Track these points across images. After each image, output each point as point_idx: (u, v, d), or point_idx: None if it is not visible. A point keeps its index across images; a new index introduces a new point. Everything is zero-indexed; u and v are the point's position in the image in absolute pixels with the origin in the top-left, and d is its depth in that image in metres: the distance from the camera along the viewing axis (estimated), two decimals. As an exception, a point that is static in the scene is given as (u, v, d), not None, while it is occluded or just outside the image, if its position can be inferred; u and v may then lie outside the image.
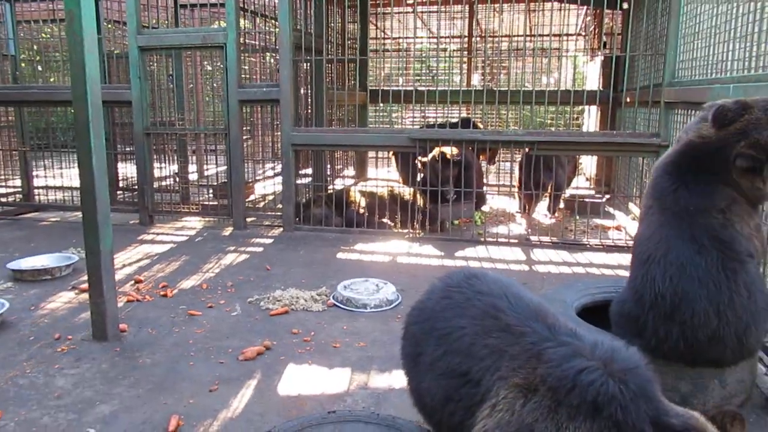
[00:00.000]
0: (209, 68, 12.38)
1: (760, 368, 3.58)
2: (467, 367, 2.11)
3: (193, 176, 9.41)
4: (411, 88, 10.35)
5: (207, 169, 10.64)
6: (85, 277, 4.17)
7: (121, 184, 8.91)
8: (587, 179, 10.47)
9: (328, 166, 8.89)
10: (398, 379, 3.58)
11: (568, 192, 8.70)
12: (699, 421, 1.84)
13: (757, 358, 3.47)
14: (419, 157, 7.26)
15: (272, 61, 10.09)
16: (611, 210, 8.29)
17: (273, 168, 10.23)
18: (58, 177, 9.15)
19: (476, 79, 12.36)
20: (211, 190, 8.96)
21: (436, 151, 7.21)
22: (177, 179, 8.33)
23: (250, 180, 9.04)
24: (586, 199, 8.16)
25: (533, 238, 6.87)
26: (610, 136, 6.70)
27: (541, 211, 8.23)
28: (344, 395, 3.41)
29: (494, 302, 2.22)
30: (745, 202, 3.15)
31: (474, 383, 2.06)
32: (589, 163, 10.54)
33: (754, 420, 3.20)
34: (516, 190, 8.46)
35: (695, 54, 5.72)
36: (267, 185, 9.95)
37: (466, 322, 2.22)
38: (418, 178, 7.57)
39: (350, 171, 10.35)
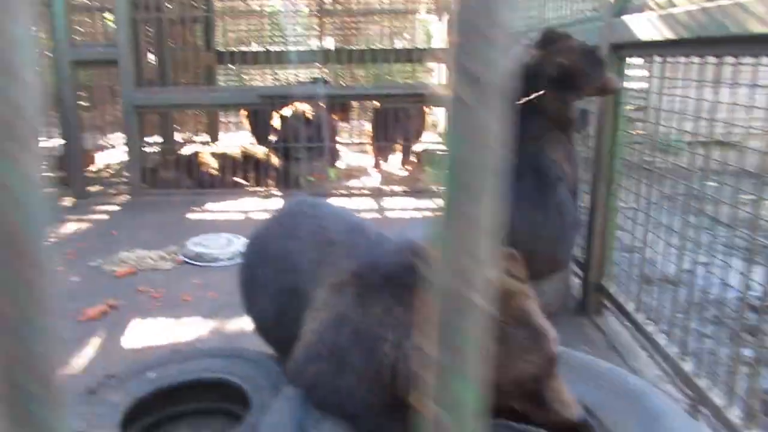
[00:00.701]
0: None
1: (573, 279, 4.05)
2: (294, 281, 2.23)
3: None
4: (262, 50, 10.17)
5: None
6: None
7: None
8: (437, 132, 10.95)
9: (177, 131, 8.58)
10: (248, 321, 3.64)
11: (420, 145, 9.08)
12: None
13: (570, 270, 3.93)
14: (274, 115, 7.23)
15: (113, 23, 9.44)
16: (458, 160, 8.77)
17: (116, 137, 9.67)
18: None
19: (329, 40, 12.38)
20: (46, 161, 8.32)
21: (289, 109, 7.20)
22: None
23: (91, 149, 8.51)
24: (437, 151, 8.57)
25: (385, 188, 7.14)
26: (450, 87, 7.04)
27: (394, 163, 8.53)
28: (195, 342, 3.42)
29: (320, 222, 2.36)
30: (556, 130, 3.53)
31: (301, 295, 2.19)
32: (439, 116, 11.02)
33: (567, 321, 3.64)
34: (368, 144, 8.69)
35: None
36: (112, 154, 9.40)
37: (294, 243, 2.34)
38: (272, 137, 7.54)
39: (202, 137, 10.04)
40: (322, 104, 7.39)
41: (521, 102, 3.49)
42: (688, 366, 2.76)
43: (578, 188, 3.68)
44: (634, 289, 3.43)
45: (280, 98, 6.89)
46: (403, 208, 6.38)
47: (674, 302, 2.99)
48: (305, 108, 7.22)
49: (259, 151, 7.42)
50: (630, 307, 3.40)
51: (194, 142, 9.30)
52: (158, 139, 8.53)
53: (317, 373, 2.03)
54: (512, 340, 1.73)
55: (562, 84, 3.42)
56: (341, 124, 9.45)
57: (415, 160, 8.66)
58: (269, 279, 2.38)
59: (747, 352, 2.49)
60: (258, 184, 7.12)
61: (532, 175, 3.46)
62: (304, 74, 10.10)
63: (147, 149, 7.72)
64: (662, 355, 2.98)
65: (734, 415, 2.40)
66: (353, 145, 9.63)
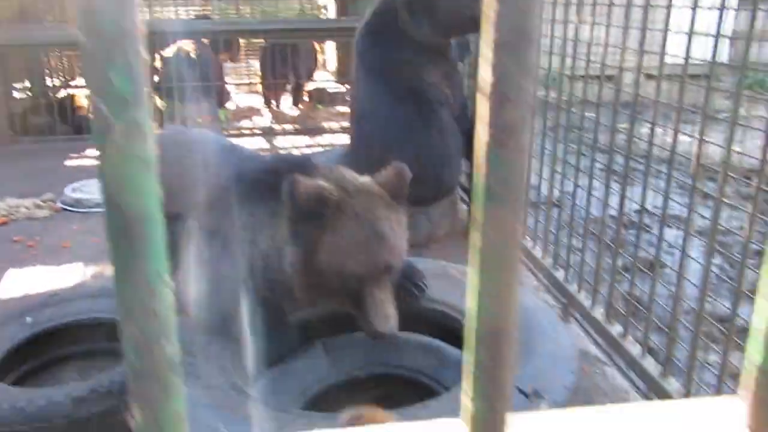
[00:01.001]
0: None
1: (461, 205, 4.22)
2: (168, 207, 2.19)
3: None
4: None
5: None
6: None
7: None
8: (328, 71, 10.81)
9: (49, 75, 7.93)
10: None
11: (311, 84, 8.93)
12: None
13: (457, 195, 4.08)
14: (159, 55, 6.82)
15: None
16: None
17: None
18: None
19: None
20: None
21: (173, 48, 6.82)
22: None
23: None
24: (328, 89, 8.47)
25: (277, 128, 7.01)
26: (340, 22, 6.94)
27: (286, 103, 8.37)
28: (77, 286, 3.28)
29: (193, 147, 2.34)
30: (434, 56, 3.56)
31: (176, 219, 2.15)
32: (329, 55, 10.86)
33: (455, 244, 3.80)
34: (258, 83, 8.45)
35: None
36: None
37: (166, 169, 2.31)
38: (154, 78, 7.13)
39: (78, 81, 9.34)
40: (205, 42, 7.05)
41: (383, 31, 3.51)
42: (560, 274, 2.99)
43: (466, 114, 3.76)
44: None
45: (161, 36, 6.50)
46: (295, 146, 6.31)
47: (555, 222, 3.20)
48: (188, 47, 6.87)
49: (141, 92, 7.02)
50: (511, 226, 3.58)
51: (70, 86, 8.65)
52: (27, 84, 7.86)
53: (198, 293, 2.02)
54: (348, 234, 1.79)
55: (426, 12, 3.42)
56: (229, 65, 9.10)
57: (307, 99, 8.54)
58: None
59: (619, 262, 2.73)
60: (142, 128, 6.76)
61: (411, 99, 3.51)
62: (185, 11, 9.56)
63: (15, 95, 7.11)
64: (539, 267, 3.20)
65: (598, 313, 2.64)
66: (243, 86, 9.33)
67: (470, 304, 0.45)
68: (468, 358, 0.45)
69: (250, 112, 8.08)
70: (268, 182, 1.96)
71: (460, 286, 2.28)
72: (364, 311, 1.82)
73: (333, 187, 1.84)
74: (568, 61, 3.06)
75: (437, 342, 2.18)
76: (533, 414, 0.53)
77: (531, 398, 1.62)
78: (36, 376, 2.52)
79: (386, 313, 1.80)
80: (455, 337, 2.15)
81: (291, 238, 1.85)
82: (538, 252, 3.24)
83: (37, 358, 2.53)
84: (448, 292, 2.24)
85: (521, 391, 1.64)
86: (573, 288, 2.85)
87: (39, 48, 6.59)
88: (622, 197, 2.54)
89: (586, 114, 2.98)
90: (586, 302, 2.72)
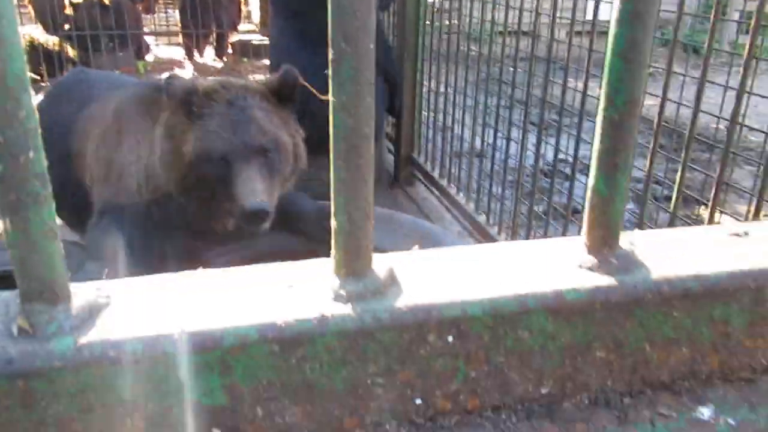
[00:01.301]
0: None
1: (386, 154, 4.27)
2: (70, 146, 2.20)
3: None
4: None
5: None
6: None
7: None
8: (253, 23, 10.51)
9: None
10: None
11: (235, 36, 8.66)
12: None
13: (384, 145, 4.14)
14: (66, 1, 6.42)
15: None
16: (277, 51, 8.55)
17: None
18: None
19: None
20: None
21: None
22: None
23: None
24: (253, 41, 8.24)
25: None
26: (262, -30, 6.71)
27: (209, 55, 8.10)
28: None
29: (89, 91, 2.36)
30: None
31: (76, 155, 2.23)
32: (253, 7, 10.54)
33: (382, 193, 3.87)
34: (179, 34, 8.12)
35: None
36: None
37: (65, 110, 2.35)
38: (66, 27, 6.73)
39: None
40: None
41: None
42: (481, 218, 3.11)
43: (390, 65, 3.75)
44: (445, 163, 3.71)
45: (70, -20, 6.12)
46: (220, 99, 6.15)
47: (478, 171, 3.30)
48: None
49: (50, 41, 6.62)
50: (436, 173, 3.68)
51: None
52: None
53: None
54: (216, 118, 1.81)
55: None
56: (145, 15, 8.68)
57: (231, 52, 8.29)
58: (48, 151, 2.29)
59: (538, 208, 2.86)
60: (53, 78, 6.41)
61: (326, 46, 3.47)
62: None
63: None
64: (463, 213, 3.31)
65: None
66: (163, 36, 8.95)
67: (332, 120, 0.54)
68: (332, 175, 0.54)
69: (171, 64, 7.78)
70: (152, 97, 1.99)
71: (383, 226, 2.34)
72: (233, 193, 1.76)
73: (209, 83, 1.87)
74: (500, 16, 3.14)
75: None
76: (397, 254, 0.62)
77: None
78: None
79: (254, 188, 1.73)
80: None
81: (165, 134, 1.87)
82: (461, 199, 3.34)
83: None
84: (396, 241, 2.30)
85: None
86: (494, 231, 2.98)
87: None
88: (537, 147, 2.67)
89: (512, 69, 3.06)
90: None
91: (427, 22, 3.70)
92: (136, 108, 1.99)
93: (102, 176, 2.07)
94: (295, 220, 2.21)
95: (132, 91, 2.13)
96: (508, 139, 2.93)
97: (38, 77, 6.44)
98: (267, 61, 7.81)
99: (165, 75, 1.99)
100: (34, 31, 7.15)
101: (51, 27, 6.86)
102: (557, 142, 2.57)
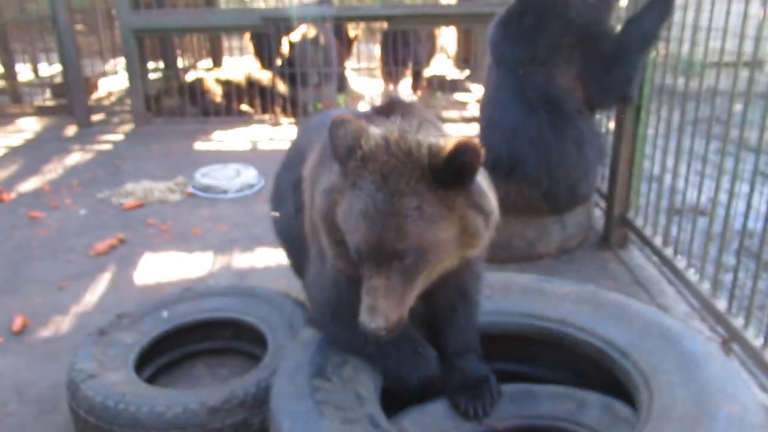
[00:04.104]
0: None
1: (596, 212, 3.91)
2: (300, 170, 2.10)
3: (25, 75, 8.40)
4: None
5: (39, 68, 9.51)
6: None
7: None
8: (448, 57, 10.57)
9: (180, 57, 8.28)
10: (260, 257, 3.55)
11: (430, 71, 8.74)
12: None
13: (593, 203, 3.78)
14: (284, 39, 6.90)
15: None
16: (471, 85, 8.47)
17: (116, 64, 9.34)
18: None
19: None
20: (48, 90, 8.07)
21: (298, 33, 6.87)
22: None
23: (92, 76, 8.23)
24: (447, 76, 8.24)
25: (396, 115, 6.89)
26: (465, 7, 6.69)
27: (404, 89, 8.24)
28: (206, 277, 3.34)
29: (327, 120, 2.29)
30: (566, 48, 3.23)
31: (302, 179, 2.06)
32: (449, 42, 10.61)
33: (590, 256, 3.53)
34: (378, 69, 8.37)
35: None
36: (113, 81, 9.13)
37: (305, 139, 2.29)
38: (278, 62, 7.24)
39: (205, 62, 9.70)
40: (327, 27, 7.04)
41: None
42: (721, 303, 2.66)
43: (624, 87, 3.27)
44: (661, 222, 3.29)
45: (285, 20, 6.55)
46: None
47: (703, 234, 2.86)
48: (314, 31, 6.88)
49: (264, 76, 7.14)
50: (657, 240, 3.26)
51: (197, 68, 9.00)
52: (160, 65, 8.24)
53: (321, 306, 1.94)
54: (359, 197, 1.51)
55: None
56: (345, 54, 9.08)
57: (425, 85, 8.36)
58: (287, 179, 2.33)
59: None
60: (264, 112, 6.89)
61: (545, 108, 3.23)
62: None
63: (150, 76, 7.46)
64: (692, 291, 2.87)
65: (771, 355, 2.31)
66: (362, 70, 9.31)
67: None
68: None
69: (369, 97, 8.02)
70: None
71: (614, 315, 2.05)
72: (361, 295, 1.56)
73: (374, 139, 1.53)
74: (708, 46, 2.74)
75: (572, 389, 1.97)
76: None
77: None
78: (169, 371, 2.57)
79: (374, 305, 1.50)
80: (610, 378, 1.94)
81: (329, 187, 1.62)
82: (692, 275, 2.90)
83: (172, 353, 2.57)
84: (600, 322, 2.02)
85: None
86: (738, 321, 2.52)
87: (172, 31, 6.84)
88: None
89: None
90: (757, 340, 2.39)
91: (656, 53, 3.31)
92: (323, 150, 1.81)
93: (309, 214, 1.95)
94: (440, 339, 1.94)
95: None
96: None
97: (253, 110, 6.97)
98: (461, 97, 7.80)
99: (333, 114, 1.75)
100: (251, 68, 7.78)
101: (266, 64, 7.42)
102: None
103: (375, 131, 1.56)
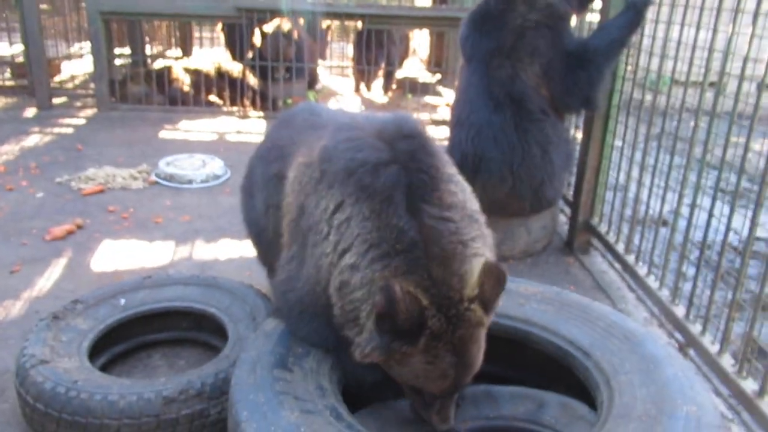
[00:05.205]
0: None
1: (561, 218, 3.95)
2: (280, 167, 2.10)
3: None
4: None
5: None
6: None
7: None
8: (420, 60, 10.61)
9: (148, 44, 8.11)
10: (224, 249, 3.49)
11: (402, 73, 8.75)
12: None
13: (558, 208, 3.82)
14: (257, 30, 6.80)
15: None
16: (442, 89, 8.50)
17: (81, 47, 9.08)
18: None
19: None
20: (8, 70, 7.81)
21: (273, 26, 6.78)
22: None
23: (55, 57, 7.99)
24: (419, 79, 8.26)
25: (367, 114, 6.87)
26: (439, 10, 6.72)
27: (376, 90, 8.23)
28: (167, 267, 3.26)
29: (314, 119, 2.25)
30: (530, 33, 3.22)
31: (282, 178, 2.06)
32: (422, 45, 10.64)
33: (554, 260, 3.56)
34: (350, 67, 8.34)
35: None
36: (77, 65, 8.87)
37: (285, 133, 2.25)
38: (249, 55, 7.14)
39: (174, 52, 9.52)
40: (301, 22, 6.99)
41: None
42: (679, 310, 2.71)
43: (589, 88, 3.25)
44: (624, 230, 3.35)
45: (260, 12, 6.47)
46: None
47: (664, 244, 2.92)
48: (288, 25, 6.81)
49: (235, 68, 7.05)
50: (620, 247, 3.32)
51: (165, 57, 8.83)
52: (127, 51, 8.05)
53: (288, 300, 1.90)
54: (437, 362, 1.61)
55: None
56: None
57: (397, 87, 8.37)
58: (261, 173, 2.28)
59: (745, 296, 2.44)
60: (233, 104, 6.79)
61: (511, 107, 3.25)
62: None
63: (116, 61, 7.29)
64: (652, 297, 2.92)
65: (726, 362, 2.36)
66: (334, 69, 9.26)
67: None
68: None
69: (338, 95, 7.99)
70: (364, 169, 1.68)
71: (578, 316, 2.06)
72: (426, 412, 1.74)
73: (432, 305, 1.57)
74: (676, 64, 2.83)
75: (532, 390, 1.99)
76: None
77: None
78: (124, 361, 2.49)
79: (447, 416, 1.72)
80: (572, 377, 1.95)
81: (377, 334, 1.59)
82: (653, 282, 2.95)
83: (128, 342, 2.50)
84: (564, 323, 2.03)
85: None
86: (695, 328, 2.57)
87: (141, 16, 6.69)
88: (754, 222, 2.25)
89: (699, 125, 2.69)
90: (712, 346, 2.44)
91: (628, 68, 3.37)
92: (345, 177, 1.71)
93: (294, 217, 1.91)
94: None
95: (330, 139, 1.84)
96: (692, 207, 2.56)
97: (221, 102, 6.86)
98: (431, 100, 7.82)
99: (384, 286, 1.54)
100: (221, 59, 7.67)
101: (237, 55, 7.31)
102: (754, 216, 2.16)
103: (424, 299, 1.56)
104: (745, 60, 2.35)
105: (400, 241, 1.60)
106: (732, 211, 2.41)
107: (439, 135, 6.11)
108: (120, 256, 3.34)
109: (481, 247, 1.73)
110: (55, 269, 3.17)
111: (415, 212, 1.64)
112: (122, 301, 2.45)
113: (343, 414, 1.63)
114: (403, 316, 1.51)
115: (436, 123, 6.70)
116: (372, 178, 1.66)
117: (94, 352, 2.28)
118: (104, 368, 2.35)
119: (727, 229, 2.44)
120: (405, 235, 1.61)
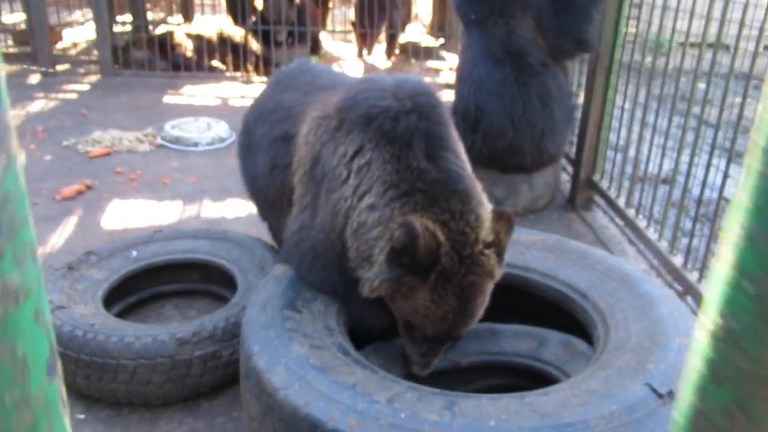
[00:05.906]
0: None
1: (564, 176, 3.99)
2: (287, 128, 2.14)
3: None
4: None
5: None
6: None
7: None
8: (423, 25, 10.53)
9: (150, 11, 8.07)
10: (231, 207, 3.55)
11: (405, 37, 8.70)
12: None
13: (560, 165, 3.86)
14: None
15: None
16: (445, 54, 8.46)
17: (84, 14, 9.05)
18: None
19: None
20: (10, 37, 7.80)
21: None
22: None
23: (57, 25, 7.97)
24: (422, 44, 8.22)
25: (370, 79, 6.87)
26: (442, -28, 6.64)
27: (378, 54, 8.20)
28: (175, 224, 3.32)
29: (314, 80, 2.28)
30: None
31: (291, 137, 2.10)
32: (425, 9, 10.55)
33: (556, 215, 3.62)
34: (351, 31, 8.29)
35: None
36: (79, 32, 8.85)
37: (289, 95, 2.28)
38: (252, 19, 7.11)
39: (175, 18, 9.47)
40: (304, -15, 6.94)
41: None
42: (677, 260, 2.77)
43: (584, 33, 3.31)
44: (625, 186, 3.39)
45: (261, -24, 6.43)
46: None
47: (664, 199, 2.96)
48: (288, -10, 6.77)
49: (237, 33, 7.03)
50: (620, 201, 3.36)
51: (167, 23, 8.79)
52: (129, 17, 8.02)
53: (300, 246, 1.96)
54: (442, 304, 1.66)
55: None
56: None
57: (400, 51, 8.33)
58: (264, 134, 2.31)
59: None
60: (236, 69, 6.79)
61: (510, 62, 3.30)
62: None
63: (118, 28, 7.28)
64: (651, 248, 2.98)
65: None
66: (337, 34, 9.21)
67: None
68: None
69: (341, 60, 7.96)
70: (385, 115, 1.75)
71: (577, 262, 2.12)
72: (413, 350, 1.79)
73: (449, 243, 1.64)
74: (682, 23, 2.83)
75: (534, 328, 2.05)
76: None
77: (666, 399, 1.48)
78: (138, 309, 2.57)
79: (429, 363, 1.79)
80: (570, 321, 2.02)
81: (388, 267, 1.66)
82: (652, 234, 3.01)
83: (140, 292, 2.58)
84: (563, 268, 2.09)
85: (655, 391, 1.49)
86: (693, 276, 2.63)
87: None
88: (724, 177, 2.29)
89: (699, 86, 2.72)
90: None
91: (628, 29, 3.38)
92: (361, 125, 1.79)
93: (307, 169, 1.97)
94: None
95: (361, 95, 1.86)
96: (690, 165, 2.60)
97: (224, 67, 6.86)
98: (434, 64, 7.80)
99: (403, 224, 1.61)
100: (223, 25, 7.64)
101: (239, 20, 7.29)
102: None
103: (441, 236, 1.63)
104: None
105: (421, 179, 1.69)
106: (728, 166, 2.45)
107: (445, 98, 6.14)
108: (129, 214, 3.41)
109: (486, 203, 1.80)
110: (67, 227, 3.24)
111: (434, 158, 1.73)
112: (134, 253, 2.52)
113: (350, 350, 1.70)
114: (422, 251, 1.58)
115: (440, 87, 6.70)
116: (393, 124, 1.74)
117: (108, 302, 2.36)
118: (118, 317, 2.43)
119: (723, 181, 2.48)
120: (426, 174, 1.69)
